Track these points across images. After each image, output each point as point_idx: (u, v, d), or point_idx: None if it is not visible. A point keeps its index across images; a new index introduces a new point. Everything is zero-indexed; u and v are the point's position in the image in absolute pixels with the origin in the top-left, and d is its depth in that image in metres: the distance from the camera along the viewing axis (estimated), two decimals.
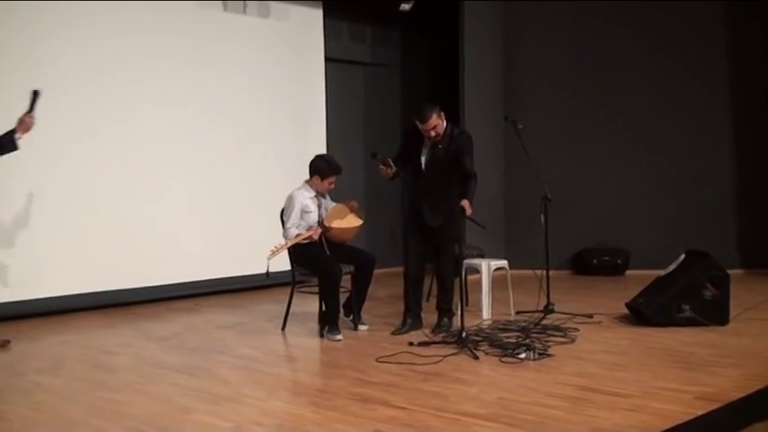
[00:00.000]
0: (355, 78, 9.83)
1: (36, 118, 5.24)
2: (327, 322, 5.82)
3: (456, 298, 5.96)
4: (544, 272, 6.48)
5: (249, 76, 8.35)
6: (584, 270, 9.33)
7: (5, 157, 5.35)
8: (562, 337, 5.61)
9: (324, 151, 8.30)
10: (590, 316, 6.37)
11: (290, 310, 6.15)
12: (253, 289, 8.10)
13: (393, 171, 5.62)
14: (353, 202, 6.12)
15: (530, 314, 6.40)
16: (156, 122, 7.62)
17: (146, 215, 7.54)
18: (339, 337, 5.72)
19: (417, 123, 5.66)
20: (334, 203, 6.15)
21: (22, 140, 5.26)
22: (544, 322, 6.05)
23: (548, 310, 6.36)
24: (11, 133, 5.18)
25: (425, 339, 5.56)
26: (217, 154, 8.09)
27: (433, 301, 6.19)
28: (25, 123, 5.23)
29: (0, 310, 6.52)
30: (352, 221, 6.02)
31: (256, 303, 7.50)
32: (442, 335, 5.68)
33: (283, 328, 6.12)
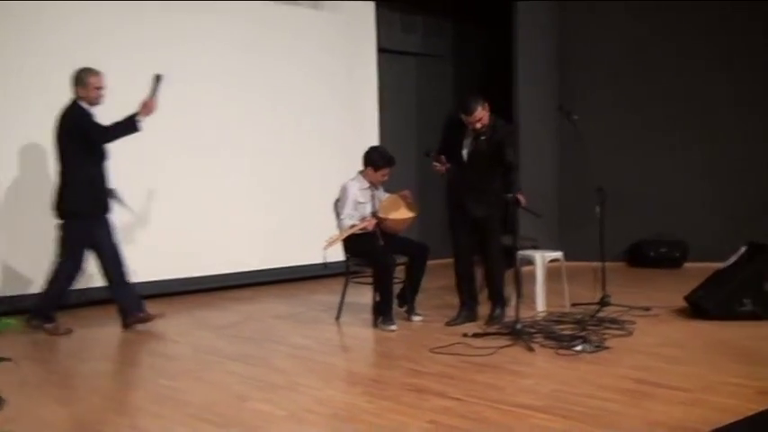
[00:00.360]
0: (407, 69, 9.84)
1: (158, 102, 5.35)
2: (382, 312, 5.84)
3: (509, 288, 5.93)
4: (600, 263, 6.42)
5: (303, 67, 8.40)
6: (640, 262, 9.21)
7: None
8: (619, 329, 5.54)
9: (376, 142, 8.33)
10: (647, 309, 6.29)
11: (345, 301, 6.18)
12: (308, 279, 8.17)
13: (446, 167, 5.65)
14: (406, 192, 6.12)
15: (585, 306, 6.34)
16: (215, 112, 7.71)
17: (203, 205, 7.63)
18: (393, 327, 5.74)
19: (462, 115, 5.65)
20: (387, 194, 6.17)
21: (143, 123, 5.45)
22: (600, 315, 5.98)
23: (604, 302, 6.28)
24: (133, 116, 5.33)
25: (479, 331, 5.55)
26: (272, 145, 8.16)
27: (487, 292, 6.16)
28: (147, 107, 5.41)
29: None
30: (405, 213, 6.03)
31: (311, 293, 7.56)
32: (495, 326, 5.66)
33: (338, 318, 6.16)
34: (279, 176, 8.19)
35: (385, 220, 5.92)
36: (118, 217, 6.84)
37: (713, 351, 4.98)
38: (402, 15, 9.58)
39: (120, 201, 5.87)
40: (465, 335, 5.42)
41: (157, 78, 5.50)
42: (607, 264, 6.56)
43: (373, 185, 6.09)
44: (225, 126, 7.78)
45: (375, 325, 5.86)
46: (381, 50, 9.10)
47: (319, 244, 5.64)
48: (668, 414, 3.66)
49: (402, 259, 6.01)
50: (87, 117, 5.50)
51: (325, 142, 8.51)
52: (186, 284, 7.48)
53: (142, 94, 5.56)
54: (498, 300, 5.94)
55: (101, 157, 5.63)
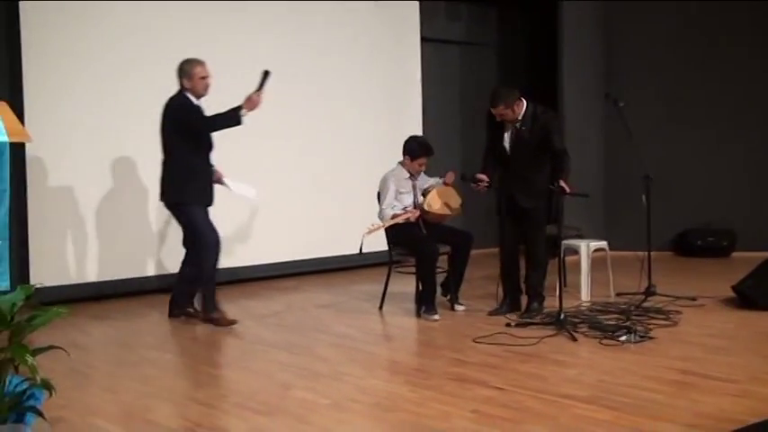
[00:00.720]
0: (451, 58, 9.79)
1: (263, 97, 5.43)
2: (425, 302, 5.84)
3: (551, 279, 5.92)
4: (645, 253, 6.35)
5: (346, 55, 8.41)
6: (687, 252, 9.10)
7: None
8: (664, 319, 5.49)
9: (420, 132, 8.32)
10: (693, 299, 6.22)
11: (388, 290, 6.19)
12: (351, 269, 8.18)
13: (486, 183, 5.71)
14: (449, 176, 6.12)
15: (630, 296, 6.29)
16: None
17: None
18: (436, 317, 5.74)
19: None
20: (430, 180, 6.18)
21: (246, 117, 5.50)
22: (645, 305, 5.94)
23: (649, 292, 6.23)
24: (237, 109, 5.38)
25: (522, 321, 5.54)
26: (316, 135, 8.18)
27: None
28: (252, 101, 5.42)
29: (106, 287, 6.80)
30: (448, 207, 6.03)
31: (354, 283, 7.57)
32: (536, 317, 5.64)
33: (381, 308, 6.18)
34: (323, 167, 8.20)
35: (429, 213, 5.95)
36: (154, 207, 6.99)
37: (762, 342, 4.91)
38: (446, 4, 9.54)
39: (228, 187, 5.98)
40: (508, 324, 5.42)
41: (265, 74, 5.47)
42: (653, 253, 6.50)
43: (413, 175, 6.10)
44: (269, 116, 7.79)
45: (418, 314, 5.87)
46: (425, 39, 9.07)
47: (361, 234, 5.67)
48: (715, 405, 3.62)
49: (445, 248, 6.01)
50: (190, 107, 5.53)
51: (369, 133, 8.51)
52: (232, 274, 7.53)
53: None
54: (534, 295, 5.91)
55: (205, 147, 5.65)
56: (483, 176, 5.74)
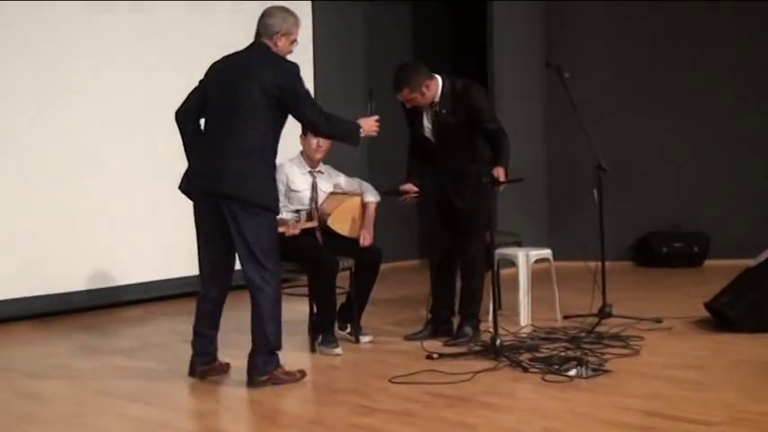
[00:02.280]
0: (353, 17, 9.78)
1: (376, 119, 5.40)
2: (321, 331, 5.81)
3: (486, 299, 5.95)
4: (598, 264, 6.44)
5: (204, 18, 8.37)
6: (650, 261, 9.34)
7: None
8: (623, 348, 5.58)
9: None
10: (659, 321, 6.34)
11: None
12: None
13: (414, 193, 5.91)
14: (366, 236, 6.05)
15: (581, 319, 6.37)
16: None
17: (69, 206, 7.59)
18: (337, 350, 5.73)
19: None
20: (340, 179, 6.18)
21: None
22: (599, 329, 6.03)
23: (604, 313, 6.33)
24: (358, 126, 5.25)
25: (446, 350, 5.58)
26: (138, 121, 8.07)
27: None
28: (369, 124, 5.32)
29: None
30: (356, 223, 6.05)
31: (226, 308, 7.43)
32: (466, 345, 5.70)
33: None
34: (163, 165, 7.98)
35: (327, 222, 5.95)
36: None
37: (743, 372, 5.00)
38: None
39: None
40: (430, 356, 5.43)
41: (370, 94, 5.66)
42: (608, 264, 6.59)
43: (314, 168, 6.08)
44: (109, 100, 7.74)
45: (312, 348, 5.85)
46: None
47: None
48: None
49: (347, 262, 5.99)
50: (306, 88, 5.20)
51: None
52: (63, 301, 7.42)
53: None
54: (467, 317, 5.98)
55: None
56: (408, 186, 5.87)
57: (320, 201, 6.04)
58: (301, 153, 6.09)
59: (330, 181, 6.18)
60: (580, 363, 5.04)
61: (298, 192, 6.02)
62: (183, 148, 5.12)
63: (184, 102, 5.15)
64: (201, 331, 5.23)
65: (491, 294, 5.77)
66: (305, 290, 5.99)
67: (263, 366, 5.01)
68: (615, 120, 9.31)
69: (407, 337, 5.97)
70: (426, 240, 6.63)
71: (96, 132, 7.73)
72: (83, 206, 7.63)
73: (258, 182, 4.94)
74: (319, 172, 6.10)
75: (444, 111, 5.75)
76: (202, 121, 5.13)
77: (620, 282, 7.74)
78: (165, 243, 8.01)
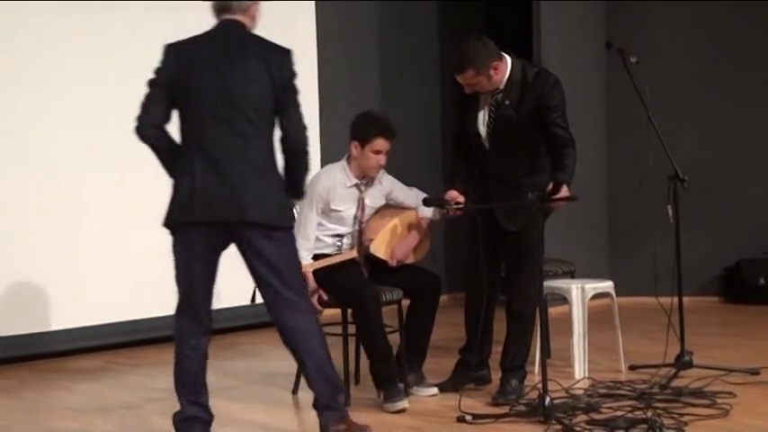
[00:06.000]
0: (364, 10, 9.95)
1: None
2: (379, 382, 5.80)
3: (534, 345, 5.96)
4: (674, 300, 6.39)
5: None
6: (741, 296, 9.31)
7: None
8: (707, 407, 5.50)
9: (316, 125, 8.45)
10: (755, 372, 6.27)
11: None
12: (230, 330, 8.19)
13: (461, 204, 5.81)
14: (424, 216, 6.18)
15: (652, 370, 6.30)
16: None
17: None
18: (402, 404, 5.68)
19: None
20: (398, 191, 6.26)
21: None
22: (676, 383, 5.99)
23: (682, 362, 6.29)
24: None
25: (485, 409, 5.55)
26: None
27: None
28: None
29: None
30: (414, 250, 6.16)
31: (233, 356, 7.51)
32: (509, 402, 5.66)
33: (295, 392, 6.14)
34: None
35: (369, 249, 6.04)
36: None
37: None
38: None
39: None
40: (461, 417, 5.39)
41: None
42: (687, 300, 6.56)
43: (364, 180, 6.10)
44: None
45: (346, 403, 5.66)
46: None
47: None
48: None
49: (394, 294, 6.05)
50: None
51: None
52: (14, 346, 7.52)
53: None
54: (518, 367, 5.95)
55: None
56: (454, 194, 5.81)
57: (366, 218, 6.10)
58: (347, 160, 6.12)
59: (381, 192, 6.23)
60: (652, 427, 4.98)
61: (339, 211, 6.08)
62: (163, 170, 5.00)
63: (145, 112, 4.92)
64: None
65: (537, 338, 5.74)
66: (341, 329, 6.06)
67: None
68: (697, 121, 9.26)
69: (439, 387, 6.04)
70: (457, 270, 6.68)
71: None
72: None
73: (284, 202, 5.01)
74: (368, 184, 6.13)
75: (508, 102, 5.69)
76: (174, 132, 5.00)
77: (703, 322, 7.67)
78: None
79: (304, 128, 4.96)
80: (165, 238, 4.92)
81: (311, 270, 5.85)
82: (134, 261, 8.07)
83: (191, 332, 4.97)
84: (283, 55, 4.97)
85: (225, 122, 4.83)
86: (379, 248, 6.05)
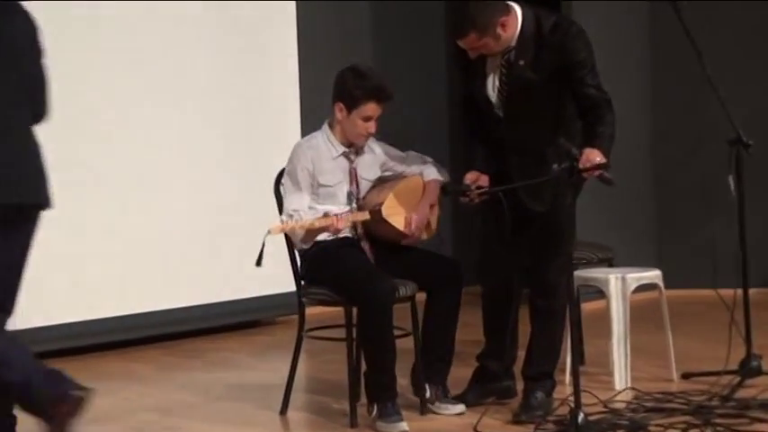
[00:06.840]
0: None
1: None
2: (374, 397, 5.60)
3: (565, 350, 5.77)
4: (738, 293, 6.10)
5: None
6: None
7: None
8: None
9: (297, 123, 8.65)
10: None
11: (297, 375, 6.02)
12: (205, 333, 8.13)
13: (484, 188, 5.58)
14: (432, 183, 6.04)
15: (710, 379, 6.01)
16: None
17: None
18: (401, 425, 5.44)
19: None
20: (392, 160, 6.05)
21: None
22: (740, 394, 5.73)
23: (749, 369, 6.01)
24: None
25: (503, 429, 5.46)
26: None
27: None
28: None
29: None
30: (421, 208, 5.94)
31: (220, 365, 7.41)
32: (536, 419, 5.48)
33: (283, 412, 5.93)
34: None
35: (383, 224, 5.80)
36: None
37: None
38: None
39: None
40: None
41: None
42: (754, 292, 6.39)
43: (351, 148, 5.90)
44: None
45: (352, 425, 5.64)
46: None
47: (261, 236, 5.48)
48: None
49: (408, 288, 5.73)
50: None
51: (226, 132, 8.81)
52: None
53: None
54: (539, 376, 5.73)
55: None
56: (474, 176, 5.59)
57: (362, 194, 5.99)
58: (329, 125, 5.96)
59: (375, 161, 6.05)
60: None
61: (329, 186, 5.92)
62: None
63: None
64: None
65: (568, 340, 5.44)
66: (343, 332, 5.85)
67: None
68: (762, 77, 8.97)
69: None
70: (468, 259, 6.63)
71: None
72: None
73: None
74: (357, 152, 6.01)
75: (522, 62, 5.42)
76: None
77: None
78: None
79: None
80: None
81: (307, 224, 5.66)
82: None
83: None
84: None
85: None
86: (391, 216, 5.82)
